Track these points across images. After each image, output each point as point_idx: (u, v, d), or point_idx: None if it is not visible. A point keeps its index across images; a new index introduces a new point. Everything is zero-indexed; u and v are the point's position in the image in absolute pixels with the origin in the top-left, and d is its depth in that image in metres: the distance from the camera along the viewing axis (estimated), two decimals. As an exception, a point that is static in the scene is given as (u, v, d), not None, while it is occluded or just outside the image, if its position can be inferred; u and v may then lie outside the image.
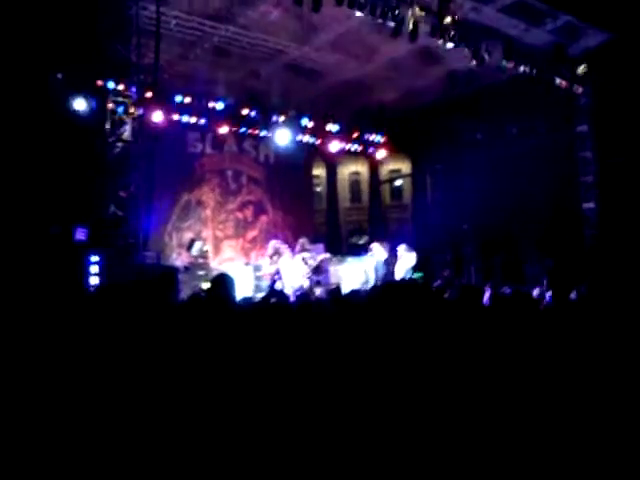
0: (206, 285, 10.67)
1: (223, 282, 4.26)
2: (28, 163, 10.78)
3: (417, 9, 11.37)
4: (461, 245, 16.54)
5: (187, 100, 14.18)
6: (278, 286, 12.88)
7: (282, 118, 15.79)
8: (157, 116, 12.90)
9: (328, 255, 14.84)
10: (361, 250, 16.42)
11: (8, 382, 2.58)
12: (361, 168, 20.28)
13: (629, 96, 13.03)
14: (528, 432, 1.99)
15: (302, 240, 14.02)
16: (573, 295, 7.04)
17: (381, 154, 18.61)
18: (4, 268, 8.59)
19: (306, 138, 16.62)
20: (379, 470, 1.77)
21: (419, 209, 19.59)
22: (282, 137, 16.00)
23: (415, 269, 15.08)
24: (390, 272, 14.67)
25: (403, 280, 11.64)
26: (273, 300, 10.13)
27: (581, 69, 14.26)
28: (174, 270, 11.79)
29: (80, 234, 10.23)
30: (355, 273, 14.93)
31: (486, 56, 12.54)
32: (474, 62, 12.54)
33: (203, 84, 14.46)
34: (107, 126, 10.70)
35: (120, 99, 10.79)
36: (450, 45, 11.95)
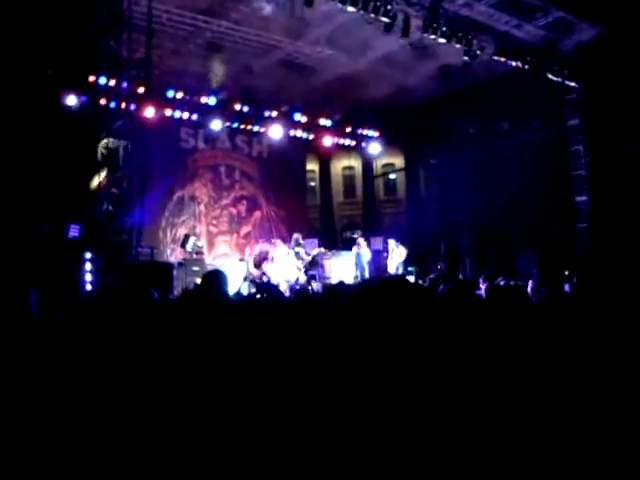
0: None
1: (214, 278, 4.27)
2: (20, 160, 10.75)
3: (409, 5, 11.38)
4: (455, 238, 16.62)
5: (179, 95, 14.16)
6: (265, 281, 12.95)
7: (275, 113, 15.78)
8: (149, 112, 12.88)
9: (322, 249, 14.91)
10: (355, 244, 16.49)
11: (4, 381, 2.59)
12: (355, 163, 20.32)
13: (620, 90, 13.07)
14: (526, 429, 2.02)
15: (296, 235, 14.10)
16: (567, 287, 7.07)
17: (374, 149, 18.63)
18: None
19: (299, 133, 16.63)
20: (375, 469, 1.79)
21: (413, 203, 19.65)
22: (275, 132, 16.00)
23: (409, 263, 15.19)
24: (383, 266, 14.79)
25: (383, 277, 11.70)
26: (266, 295, 10.17)
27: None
28: (168, 266, 11.82)
29: (73, 231, 10.21)
30: (348, 267, 14.99)
31: (478, 51, 12.57)
32: (466, 57, 12.57)
33: (196, 79, 14.44)
34: (99, 122, 10.65)
35: (112, 95, 10.74)
36: (442, 40, 11.97)
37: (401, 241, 15.30)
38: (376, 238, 16.82)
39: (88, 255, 9.79)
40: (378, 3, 10.98)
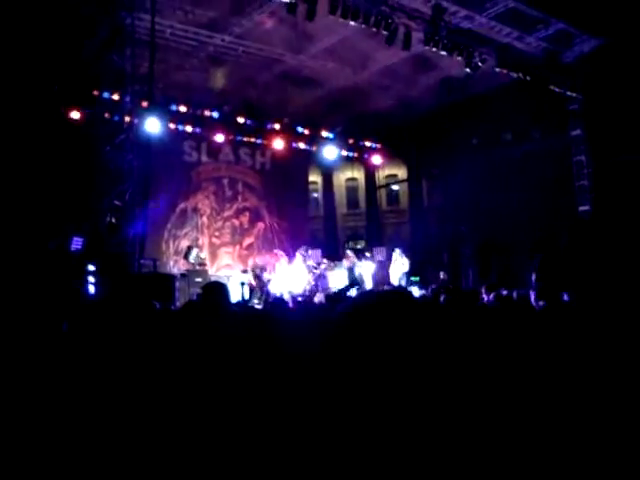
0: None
1: (215, 290, 4.31)
2: (25, 173, 10.84)
3: (410, 18, 11.47)
4: (458, 248, 16.62)
5: (182, 109, 14.27)
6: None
7: (278, 126, 15.88)
8: (153, 125, 12.96)
9: (326, 261, 14.96)
10: (359, 255, 16.53)
11: (7, 391, 2.63)
12: (357, 174, 20.37)
13: (622, 100, 13.10)
14: (528, 437, 2.03)
15: (304, 250, 14.19)
16: (565, 297, 7.06)
17: (377, 160, 18.70)
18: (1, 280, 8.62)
19: (302, 145, 16.71)
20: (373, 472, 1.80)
21: (416, 213, 19.65)
22: (278, 144, 16.09)
23: (412, 273, 15.20)
24: (385, 276, 14.81)
25: (381, 290, 11.73)
26: (269, 306, 10.20)
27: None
28: (171, 277, 11.86)
29: (76, 244, 10.26)
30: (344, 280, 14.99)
31: (480, 63, 12.64)
32: (468, 69, 12.64)
33: (199, 93, 14.55)
34: (102, 136, 10.74)
35: (115, 109, 10.83)
36: (443, 53, 12.05)
37: (404, 251, 15.33)
38: (379, 248, 16.84)
39: (91, 267, 9.83)
40: (379, 16, 11.06)
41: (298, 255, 14.33)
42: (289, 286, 13.37)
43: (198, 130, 14.91)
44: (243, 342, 3.67)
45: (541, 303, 8.13)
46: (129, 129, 10.76)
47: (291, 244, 16.55)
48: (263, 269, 13.59)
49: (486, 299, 8.14)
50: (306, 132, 16.41)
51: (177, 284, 11.70)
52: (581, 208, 14.94)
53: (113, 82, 10.86)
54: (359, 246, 18.34)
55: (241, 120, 15.27)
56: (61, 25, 10.34)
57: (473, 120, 16.04)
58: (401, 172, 20.40)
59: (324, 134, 16.81)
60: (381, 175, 20.22)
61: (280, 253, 14.75)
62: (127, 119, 10.76)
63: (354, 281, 13.60)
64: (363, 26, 11.13)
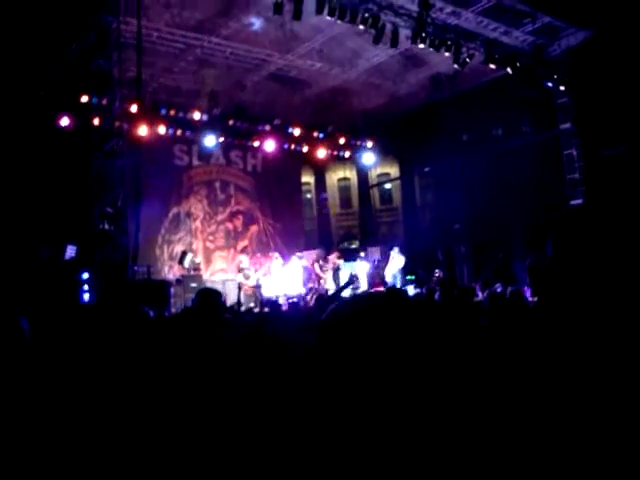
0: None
1: (209, 296, 4.27)
2: (15, 182, 10.76)
3: (397, 15, 11.45)
4: (452, 245, 16.63)
5: (172, 113, 14.21)
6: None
7: (268, 127, 15.83)
8: (142, 130, 12.91)
9: (321, 262, 14.95)
10: (353, 255, 16.54)
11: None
12: (350, 174, 20.32)
13: (610, 92, 13.12)
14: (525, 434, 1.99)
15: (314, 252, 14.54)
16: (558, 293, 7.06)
17: (369, 159, 18.68)
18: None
19: (293, 146, 16.67)
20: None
21: (409, 211, 19.64)
22: (269, 146, 16.04)
23: (407, 271, 15.20)
24: (380, 275, 14.84)
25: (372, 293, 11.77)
26: (266, 309, 10.18)
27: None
28: (165, 284, 11.81)
29: (70, 251, 10.20)
30: (347, 278, 15.02)
31: (468, 59, 12.64)
32: (456, 65, 12.65)
33: (188, 96, 14.50)
34: (92, 142, 10.67)
35: (104, 114, 10.77)
36: (431, 50, 12.05)
37: (398, 250, 15.34)
38: (374, 248, 16.83)
39: (85, 275, 9.78)
40: (366, 14, 11.04)
41: (294, 258, 14.35)
42: (284, 288, 13.35)
43: (188, 133, 14.85)
44: (240, 347, 3.65)
45: (536, 299, 8.13)
46: (119, 134, 10.71)
47: (286, 246, 16.51)
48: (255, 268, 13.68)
49: (481, 296, 8.14)
50: (297, 133, 16.34)
51: (172, 290, 11.66)
52: (573, 202, 14.96)
53: (101, 87, 10.79)
54: (353, 246, 18.29)
55: (231, 122, 15.19)
56: (46, 30, 10.26)
57: (463, 116, 16.04)
58: (393, 170, 20.36)
59: (315, 134, 16.75)
60: (373, 174, 20.20)
61: (275, 255, 14.73)
62: (116, 124, 10.71)
63: (349, 282, 13.63)
64: (350, 25, 11.12)
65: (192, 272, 13.37)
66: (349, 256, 16.32)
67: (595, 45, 13.26)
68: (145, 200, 12.45)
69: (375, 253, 16.42)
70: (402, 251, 15.42)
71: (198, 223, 15.82)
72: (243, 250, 16.15)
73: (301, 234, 18.01)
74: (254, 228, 16.88)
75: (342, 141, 17.69)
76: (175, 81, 14.00)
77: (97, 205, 10.39)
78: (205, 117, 14.65)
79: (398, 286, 13.44)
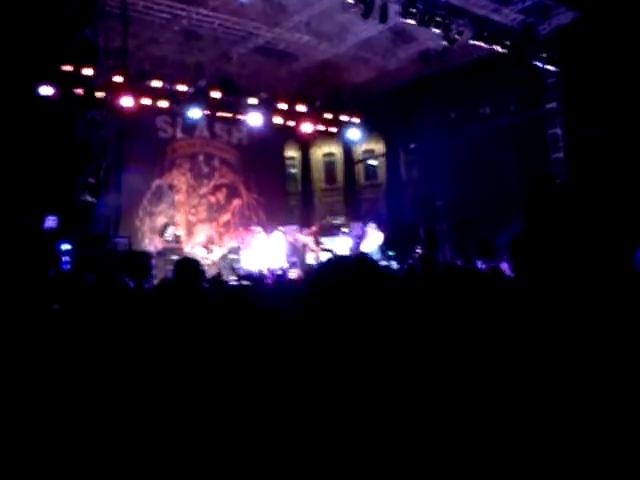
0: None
1: (188, 267, 4.25)
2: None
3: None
4: (435, 222, 16.66)
5: (157, 84, 14.00)
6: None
7: (254, 100, 15.66)
8: (126, 101, 12.73)
9: (302, 236, 14.97)
10: (336, 230, 16.59)
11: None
12: (335, 149, 20.23)
13: (598, 73, 13.12)
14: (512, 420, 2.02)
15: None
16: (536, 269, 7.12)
17: (355, 134, 18.59)
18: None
19: (279, 120, 16.51)
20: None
21: (393, 188, 19.62)
22: (255, 119, 15.89)
23: (388, 247, 15.23)
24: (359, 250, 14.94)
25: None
26: (247, 282, 10.17)
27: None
28: (146, 255, 11.74)
29: (50, 222, 10.11)
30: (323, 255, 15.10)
31: (457, 36, 12.57)
32: (445, 42, 12.58)
33: (174, 68, 14.31)
34: (75, 111, 10.52)
35: (88, 84, 10.60)
36: (420, 26, 11.96)
37: (381, 226, 15.34)
38: (357, 224, 16.83)
39: (66, 246, 9.70)
40: (355, -12, 10.93)
41: (276, 232, 14.32)
42: (266, 262, 13.34)
43: (173, 105, 14.65)
44: (221, 319, 3.65)
45: (515, 275, 8.20)
46: (102, 104, 10.57)
47: (269, 220, 16.47)
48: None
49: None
50: (283, 107, 16.19)
51: (154, 262, 11.60)
52: (557, 181, 15.02)
53: (85, 57, 10.60)
54: (338, 221, 18.27)
55: (217, 95, 14.98)
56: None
57: (451, 94, 16.00)
58: (379, 147, 20.29)
59: (301, 109, 16.59)
60: (359, 150, 20.13)
61: (257, 229, 14.70)
62: (100, 94, 10.56)
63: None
64: (339, -2, 11.01)
65: (173, 244, 13.32)
66: (332, 231, 16.34)
67: (584, 25, 13.23)
68: (127, 171, 12.35)
69: (358, 229, 16.43)
70: (384, 227, 15.43)
71: (181, 196, 15.70)
72: (226, 224, 16.11)
73: (284, 209, 17.98)
74: (237, 202, 16.80)
75: (329, 116, 17.56)
76: (161, 52, 13.81)
77: (79, 175, 10.29)
78: (191, 89, 14.47)
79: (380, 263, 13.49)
